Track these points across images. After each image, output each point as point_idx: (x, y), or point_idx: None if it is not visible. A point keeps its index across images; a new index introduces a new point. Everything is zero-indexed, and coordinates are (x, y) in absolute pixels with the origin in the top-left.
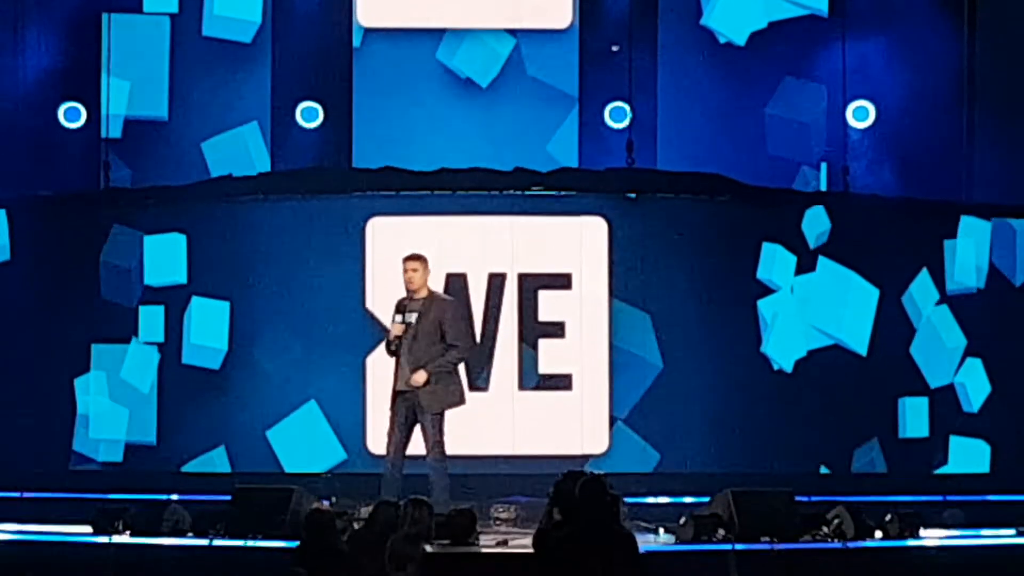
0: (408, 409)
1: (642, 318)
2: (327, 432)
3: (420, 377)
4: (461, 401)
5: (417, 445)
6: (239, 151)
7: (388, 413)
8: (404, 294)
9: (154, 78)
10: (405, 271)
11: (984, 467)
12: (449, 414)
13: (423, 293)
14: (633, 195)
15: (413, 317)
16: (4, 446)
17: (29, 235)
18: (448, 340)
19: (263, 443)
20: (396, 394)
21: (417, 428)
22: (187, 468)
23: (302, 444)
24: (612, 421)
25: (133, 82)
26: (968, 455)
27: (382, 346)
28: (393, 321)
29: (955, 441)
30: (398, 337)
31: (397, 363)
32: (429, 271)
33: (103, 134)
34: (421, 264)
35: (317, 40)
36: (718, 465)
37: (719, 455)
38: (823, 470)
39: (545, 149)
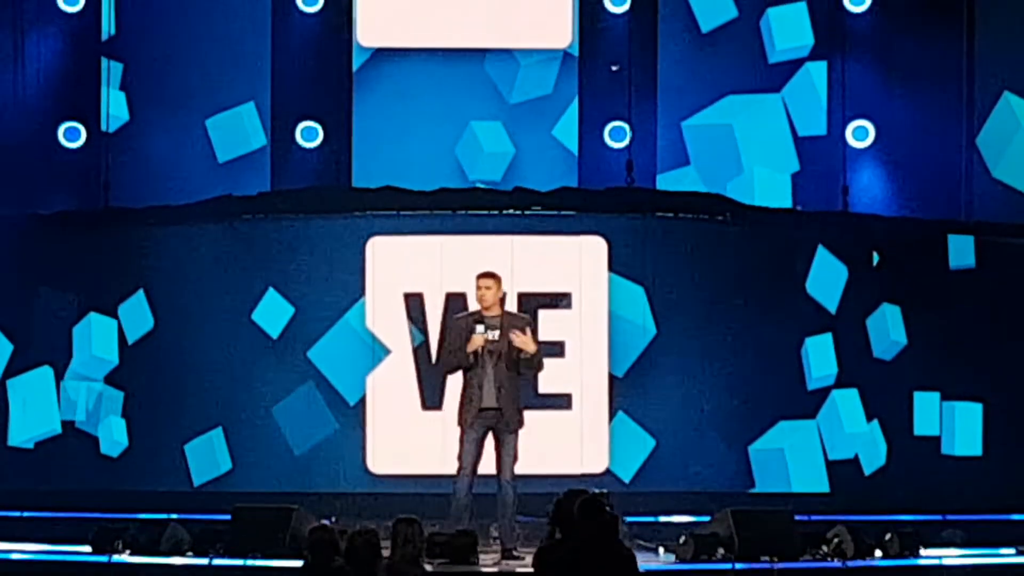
0: (485, 427)
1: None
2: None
3: (529, 341)
4: (522, 421)
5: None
6: (238, 130)
7: (459, 431)
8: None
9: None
10: (478, 288)
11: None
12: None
13: (497, 311)
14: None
15: (495, 335)
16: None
17: (30, 254)
18: (523, 357)
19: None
20: (478, 411)
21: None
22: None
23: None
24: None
25: (129, 61)
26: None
27: (383, 365)
28: (474, 332)
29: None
30: (480, 348)
31: (468, 380)
32: (503, 289)
33: (103, 127)
34: (494, 282)
35: (317, 60)
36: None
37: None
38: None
39: (551, 134)
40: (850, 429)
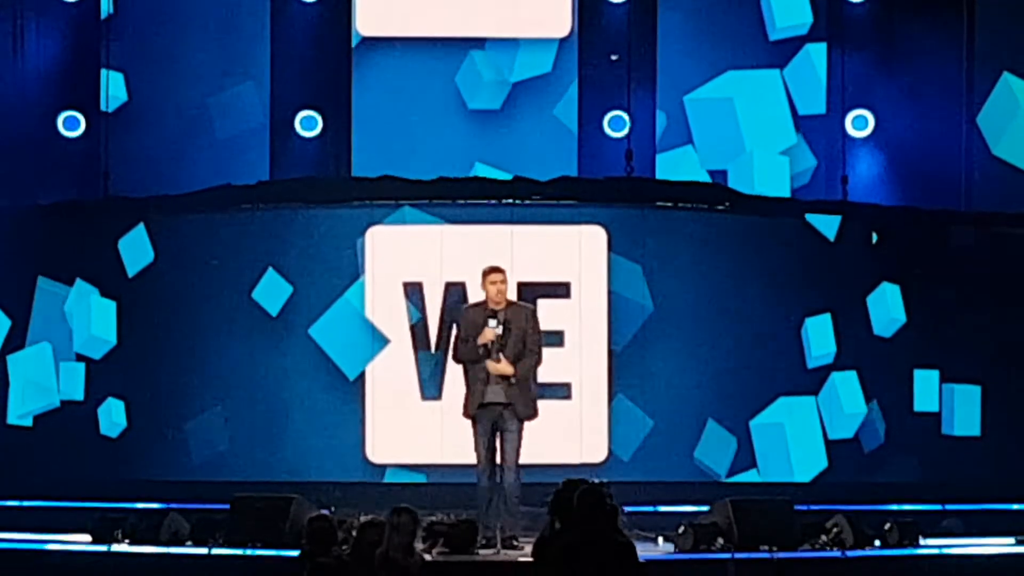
0: (492, 420)
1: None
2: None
3: (507, 367)
4: (536, 411)
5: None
6: (237, 110)
7: (470, 425)
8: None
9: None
10: (493, 283)
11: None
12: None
13: (504, 303)
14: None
15: (500, 329)
16: None
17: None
18: (528, 346)
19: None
20: (481, 406)
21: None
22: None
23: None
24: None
25: (128, 42)
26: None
27: (382, 355)
28: (487, 325)
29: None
30: (490, 343)
31: (473, 374)
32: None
33: (102, 107)
34: (505, 275)
35: (316, 49)
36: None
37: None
38: None
39: (552, 113)
40: (850, 410)
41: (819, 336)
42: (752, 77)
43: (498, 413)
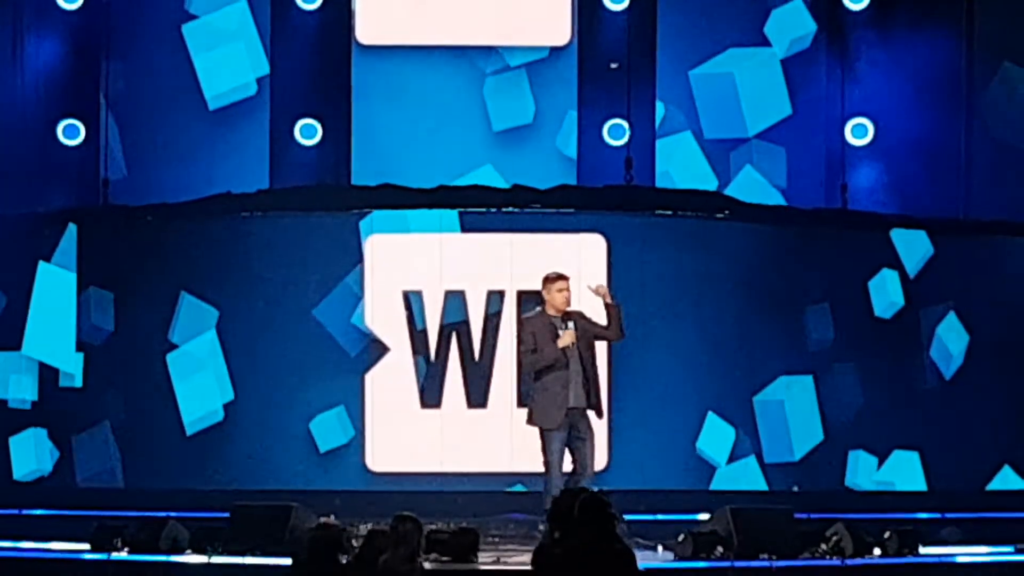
0: (571, 424)
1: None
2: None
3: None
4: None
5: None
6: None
7: (548, 433)
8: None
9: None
10: (560, 290)
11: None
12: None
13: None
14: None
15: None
16: None
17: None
18: (598, 331)
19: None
20: (566, 412)
21: None
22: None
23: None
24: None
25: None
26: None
27: (381, 363)
28: (564, 329)
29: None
30: (570, 347)
31: (549, 382)
32: None
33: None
34: (569, 282)
35: (316, 57)
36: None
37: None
38: None
39: (552, 121)
40: (847, 400)
41: (819, 323)
42: (751, 54)
43: (578, 417)
